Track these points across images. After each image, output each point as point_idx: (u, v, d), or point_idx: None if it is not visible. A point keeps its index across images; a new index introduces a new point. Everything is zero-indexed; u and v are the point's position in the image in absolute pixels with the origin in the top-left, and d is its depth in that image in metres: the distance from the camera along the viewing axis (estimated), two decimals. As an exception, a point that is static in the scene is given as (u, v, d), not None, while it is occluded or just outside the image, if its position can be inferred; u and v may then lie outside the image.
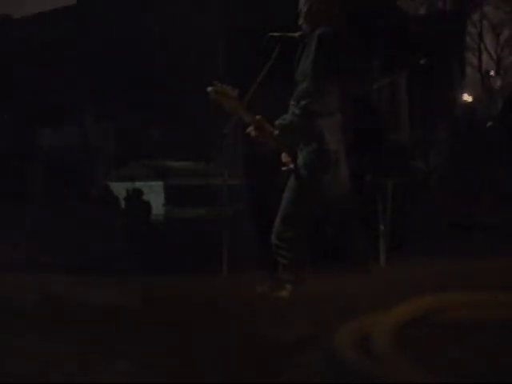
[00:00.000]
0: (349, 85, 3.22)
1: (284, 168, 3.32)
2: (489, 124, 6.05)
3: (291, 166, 3.26)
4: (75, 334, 0.66)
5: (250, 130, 3.30)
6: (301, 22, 3.32)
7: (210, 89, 3.19)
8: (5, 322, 0.70)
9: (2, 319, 0.71)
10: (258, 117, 3.25)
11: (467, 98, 8.16)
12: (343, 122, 3.25)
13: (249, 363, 0.53)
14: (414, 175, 3.93)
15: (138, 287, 0.91)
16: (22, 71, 8.46)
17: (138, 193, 10.42)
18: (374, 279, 0.92)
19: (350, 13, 3.56)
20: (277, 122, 3.22)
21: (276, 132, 3.15)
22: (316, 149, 3.21)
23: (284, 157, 3.31)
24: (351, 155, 3.32)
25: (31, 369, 0.54)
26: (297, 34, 3.38)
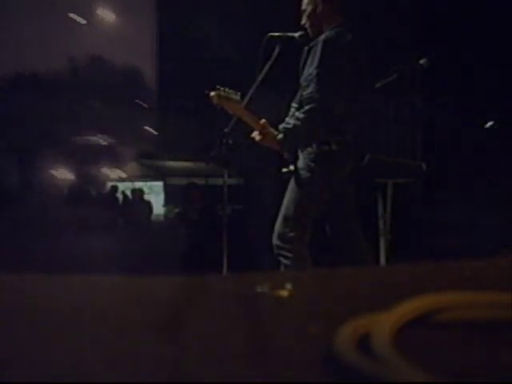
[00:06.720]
0: (355, 89, 3.20)
1: (285, 169, 3.32)
2: (489, 124, 6.03)
3: (291, 167, 3.26)
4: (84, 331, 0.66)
5: (255, 134, 3.30)
6: (304, 21, 3.30)
7: (212, 93, 3.19)
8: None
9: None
10: (262, 121, 3.26)
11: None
12: (346, 123, 3.25)
13: (247, 363, 0.53)
14: (414, 175, 3.93)
15: (134, 288, 0.91)
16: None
17: (139, 193, 10.47)
18: (374, 279, 0.92)
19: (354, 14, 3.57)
20: (281, 126, 3.23)
21: (280, 136, 3.16)
22: (317, 150, 3.22)
23: (285, 156, 3.32)
24: (351, 155, 3.33)
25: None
26: (297, 35, 3.38)
